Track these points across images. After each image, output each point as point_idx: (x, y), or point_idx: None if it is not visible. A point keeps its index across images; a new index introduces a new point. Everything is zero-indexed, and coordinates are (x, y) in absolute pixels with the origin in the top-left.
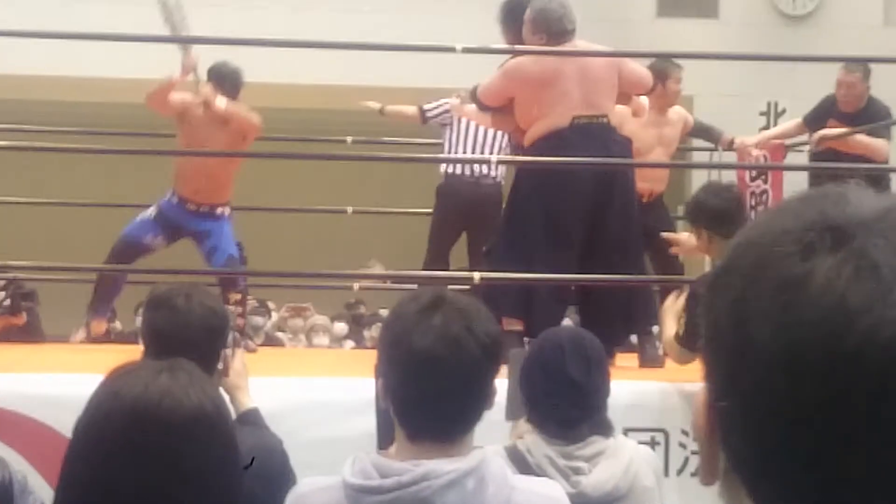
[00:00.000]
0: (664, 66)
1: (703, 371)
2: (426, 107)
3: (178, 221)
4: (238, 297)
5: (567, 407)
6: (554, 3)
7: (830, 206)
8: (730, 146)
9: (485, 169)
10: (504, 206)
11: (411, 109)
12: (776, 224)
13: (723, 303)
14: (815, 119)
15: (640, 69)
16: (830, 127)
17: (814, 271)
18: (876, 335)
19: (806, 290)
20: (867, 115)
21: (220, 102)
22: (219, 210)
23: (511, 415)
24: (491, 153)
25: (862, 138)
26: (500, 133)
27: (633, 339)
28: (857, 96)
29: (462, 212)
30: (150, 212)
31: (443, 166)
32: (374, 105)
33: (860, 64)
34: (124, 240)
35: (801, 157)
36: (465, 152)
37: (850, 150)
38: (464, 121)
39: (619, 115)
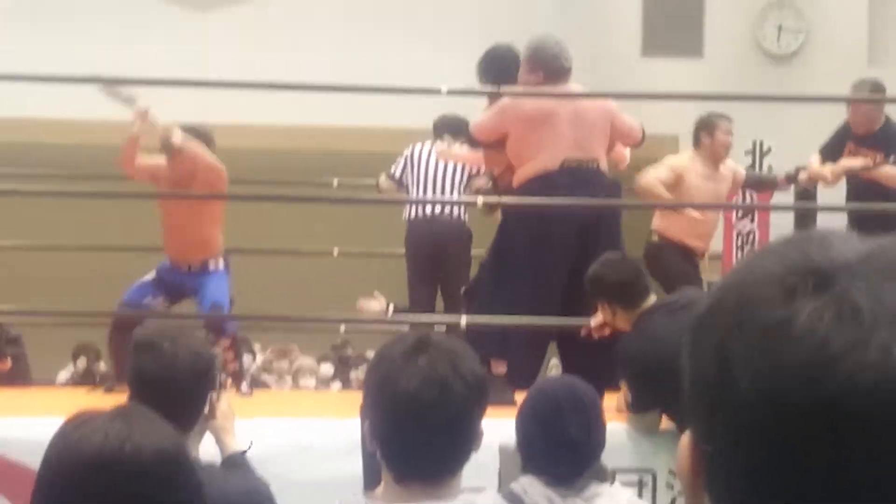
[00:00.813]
0: (711, 118)
1: (687, 414)
2: (392, 171)
3: (176, 281)
4: (227, 342)
5: (566, 465)
6: (550, 41)
7: (814, 249)
8: (793, 180)
9: (438, 208)
10: (492, 245)
11: (383, 180)
12: (759, 267)
13: (706, 346)
14: (832, 146)
15: (632, 122)
16: (848, 151)
17: (796, 315)
18: (858, 379)
19: (788, 334)
20: (882, 138)
21: (177, 136)
22: (210, 266)
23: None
24: (451, 192)
25: (889, 171)
26: (457, 170)
27: None
28: (864, 115)
29: (425, 253)
30: (149, 276)
31: (405, 213)
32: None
33: (869, 82)
34: (125, 307)
35: (786, 198)
36: (425, 193)
37: (885, 182)
38: (421, 163)
39: (681, 167)
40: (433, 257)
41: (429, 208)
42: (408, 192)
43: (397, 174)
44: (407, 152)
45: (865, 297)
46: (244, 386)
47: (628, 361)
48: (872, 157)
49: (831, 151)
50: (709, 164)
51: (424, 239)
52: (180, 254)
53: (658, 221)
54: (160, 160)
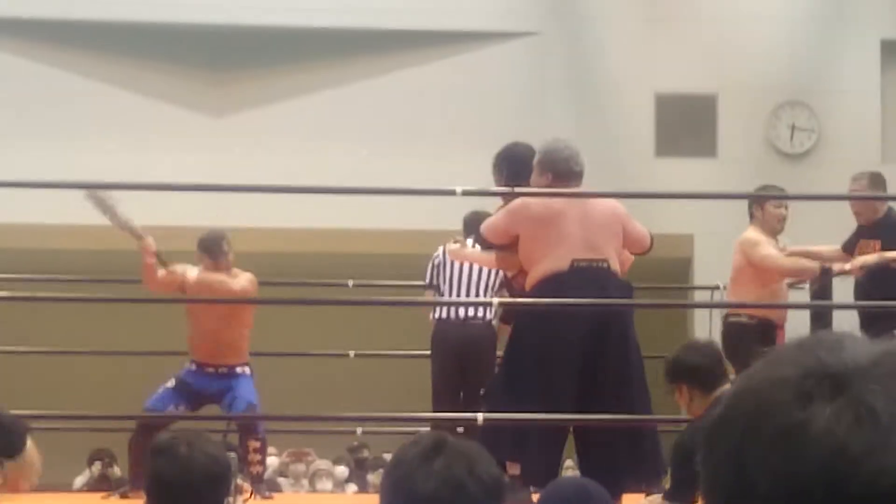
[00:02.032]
0: (760, 190)
1: None
2: (427, 281)
3: (199, 386)
4: (257, 444)
5: None
6: (560, 144)
7: (826, 353)
8: (829, 273)
9: (471, 311)
10: (505, 348)
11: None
12: (773, 372)
13: (722, 451)
14: (849, 241)
15: (641, 229)
16: (862, 244)
17: (813, 418)
18: (878, 481)
19: (806, 437)
20: (883, 227)
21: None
22: (238, 370)
23: None
24: (484, 294)
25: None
26: (490, 273)
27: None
28: (863, 205)
29: (454, 355)
30: (170, 383)
31: (433, 312)
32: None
33: (867, 174)
34: (149, 413)
35: (802, 296)
36: (457, 295)
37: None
38: (455, 264)
39: (753, 240)
40: (460, 359)
41: (460, 310)
42: (440, 291)
43: (429, 279)
44: (435, 254)
45: (881, 400)
46: (264, 489)
47: (676, 447)
48: (874, 246)
49: (848, 247)
50: (769, 236)
51: (452, 340)
52: (210, 357)
53: (737, 297)
54: (184, 269)
